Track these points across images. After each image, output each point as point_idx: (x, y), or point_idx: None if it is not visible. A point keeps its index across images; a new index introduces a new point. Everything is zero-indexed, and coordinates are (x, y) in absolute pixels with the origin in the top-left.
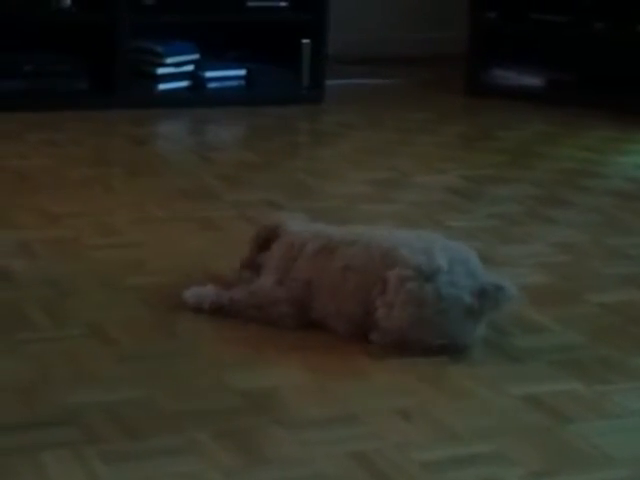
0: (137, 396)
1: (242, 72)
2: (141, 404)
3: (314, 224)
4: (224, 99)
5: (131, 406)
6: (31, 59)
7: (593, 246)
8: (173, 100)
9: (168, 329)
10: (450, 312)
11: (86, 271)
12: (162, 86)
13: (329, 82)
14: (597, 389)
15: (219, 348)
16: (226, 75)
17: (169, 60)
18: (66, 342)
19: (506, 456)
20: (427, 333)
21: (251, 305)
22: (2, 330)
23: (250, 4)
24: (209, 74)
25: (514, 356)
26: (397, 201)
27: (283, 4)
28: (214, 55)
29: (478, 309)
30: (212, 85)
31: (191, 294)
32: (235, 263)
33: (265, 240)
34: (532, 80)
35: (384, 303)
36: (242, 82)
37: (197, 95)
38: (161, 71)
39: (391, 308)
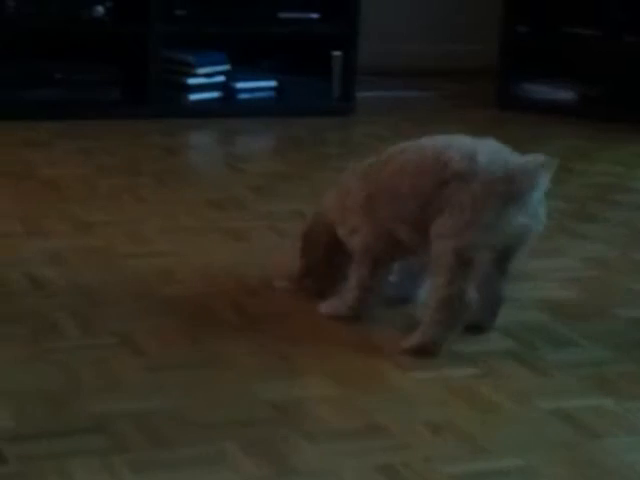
0: (166, 406)
1: (273, 83)
2: (170, 414)
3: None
4: (255, 110)
5: (160, 415)
6: (63, 68)
7: (623, 261)
8: (204, 110)
9: (197, 339)
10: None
11: (116, 280)
12: (193, 96)
13: (360, 94)
14: (625, 405)
15: (248, 358)
16: (257, 86)
17: (200, 70)
18: (96, 351)
19: (535, 471)
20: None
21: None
22: (32, 338)
23: (281, 15)
24: (240, 85)
25: (543, 370)
26: None
27: (314, 16)
28: (245, 66)
29: (513, 192)
30: (243, 96)
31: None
32: (264, 273)
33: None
34: (563, 94)
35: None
36: (273, 93)
37: (228, 105)
38: (192, 81)
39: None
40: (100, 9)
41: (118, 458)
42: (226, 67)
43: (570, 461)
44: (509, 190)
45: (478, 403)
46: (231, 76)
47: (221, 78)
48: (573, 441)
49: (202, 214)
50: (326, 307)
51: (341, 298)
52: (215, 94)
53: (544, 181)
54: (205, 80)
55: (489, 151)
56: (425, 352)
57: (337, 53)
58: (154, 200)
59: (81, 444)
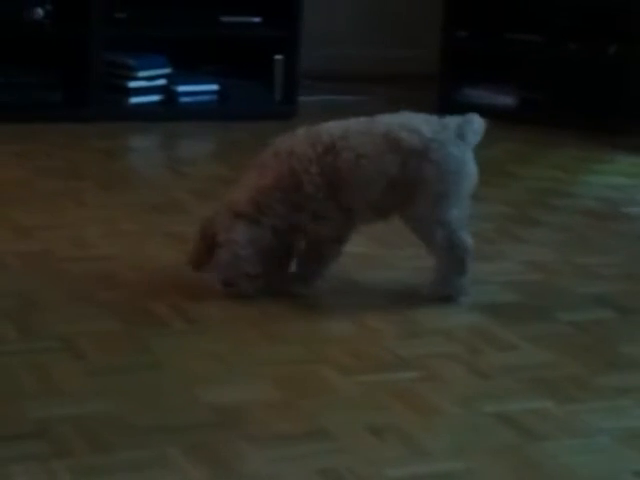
0: (107, 410)
1: (215, 87)
2: (111, 418)
3: None
4: (196, 113)
5: (100, 420)
6: (3, 71)
7: (563, 265)
8: (145, 114)
9: (138, 343)
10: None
11: (57, 284)
12: (134, 99)
13: (302, 98)
14: (567, 408)
15: (189, 362)
16: (199, 90)
17: (141, 74)
18: (35, 355)
19: (477, 473)
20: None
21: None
22: None
23: (223, 19)
24: (181, 88)
25: (485, 373)
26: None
27: (256, 20)
28: (187, 69)
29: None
30: (184, 99)
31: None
32: (205, 276)
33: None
34: (504, 99)
35: None
36: (215, 97)
37: (169, 109)
38: (133, 84)
39: None
40: (40, 11)
41: (59, 463)
42: (167, 70)
43: (512, 464)
44: (462, 146)
45: (420, 406)
46: (172, 79)
47: (162, 81)
48: (515, 444)
49: (143, 218)
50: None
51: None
52: (156, 97)
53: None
54: (146, 83)
55: (425, 120)
56: (448, 299)
57: (279, 57)
58: (95, 204)
59: (21, 449)
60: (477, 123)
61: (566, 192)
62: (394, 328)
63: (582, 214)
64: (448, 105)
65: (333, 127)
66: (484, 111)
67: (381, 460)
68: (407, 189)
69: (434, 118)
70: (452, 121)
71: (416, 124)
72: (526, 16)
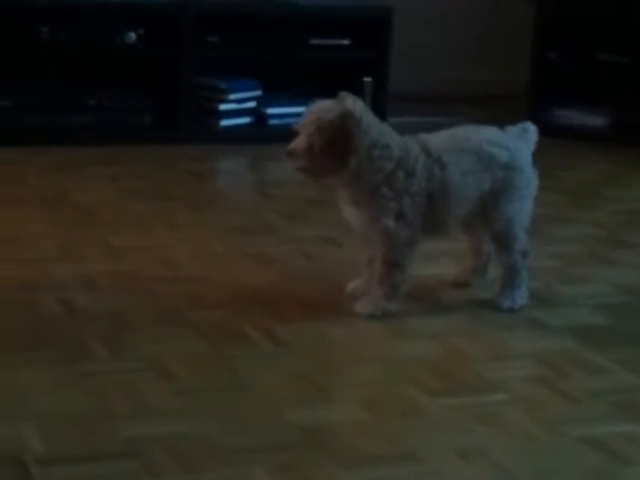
0: (195, 430)
1: (303, 109)
2: (199, 438)
3: None
4: (286, 136)
5: (189, 440)
6: (95, 94)
7: None
8: (235, 136)
9: (227, 363)
10: None
11: (147, 304)
12: (224, 122)
13: (391, 119)
14: None
15: (277, 383)
16: (288, 112)
17: (232, 96)
18: (125, 375)
19: None
20: None
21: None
22: (63, 362)
23: (313, 42)
24: (271, 110)
25: (574, 397)
26: (457, 239)
27: (345, 42)
28: (277, 92)
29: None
30: (274, 122)
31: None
32: (293, 297)
33: None
34: (595, 120)
35: None
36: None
37: (259, 131)
38: (224, 107)
39: None
40: (132, 36)
41: None
42: (257, 93)
43: None
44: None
45: (508, 430)
46: (262, 102)
47: (252, 104)
48: (604, 468)
49: (232, 239)
50: (361, 307)
51: (375, 296)
52: (246, 120)
53: None
54: (236, 106)
55: (503, 133)
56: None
57: (368, 79)
58: (185, 225)
59: (111, 469)
60: (534, 131)
61: None
62: (480, 349)
63: None
64: (539, 126)
65: (434, 140)
66: (575, 133)
67: None
68: (493, 198)
69: (505, 129)
70: (516, 130)
71: (500, 138)
72: (616, 37)
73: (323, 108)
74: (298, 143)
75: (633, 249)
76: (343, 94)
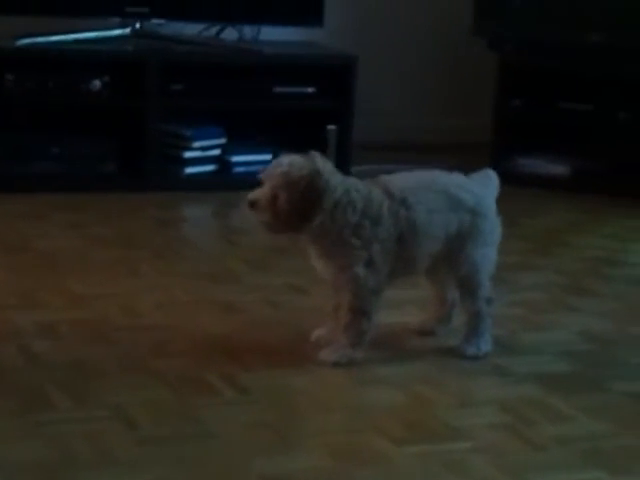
0: (158, 479)
1: (268, 156)
2: None
3: None
4: (250, 183)
5: None
6: (60, 141)
7: (617, 334)
8: (200, 184)
9: (190, 412)
10: None
11: (109, 353)
12: (189, 169)
13: (355, 168)
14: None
15: (241, 432)
16: (253, 159)
17: (196, 144)
18: (88, 424)
19: None
20: None
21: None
22: (24, 411)
23: (277, 90)
24: (236, 158)
25: (538, 444)
26: (422, 287)
27: (310, 90)
28: (241, 140)
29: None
30: (238, 169)
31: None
32: (259, 346)
33: None
34: (558, 168)
35: None
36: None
37: (223, 179)
38: (188, 155)
39: None
40: (97, 83)
41: None
42: (222, 141)
43: None
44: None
45: (474, 478)
46: (227, 150)
47: (217, 152)
48: None
49: (197, 287)
50: (326, 355)
51: (341, 344)
52: (211, 167)
53: None
54: (201, 153)
55: (469, 179)
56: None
57: (332, 127)
58: (149, 273)
59: None
60: (495, 178)
61: (621, 261)
62: (445, 397)
63: (637, 284)
64: (502, 174)
65: (397, 181)
66: (538, 180)
67: None
68: (459, 242)
69: (468, 176)
70: (479, 176)
71: (466, 182)
72: (579, 85)
73: (293, 163)
74: (262, 194)
75: (596, 296)
76: (313, 153)
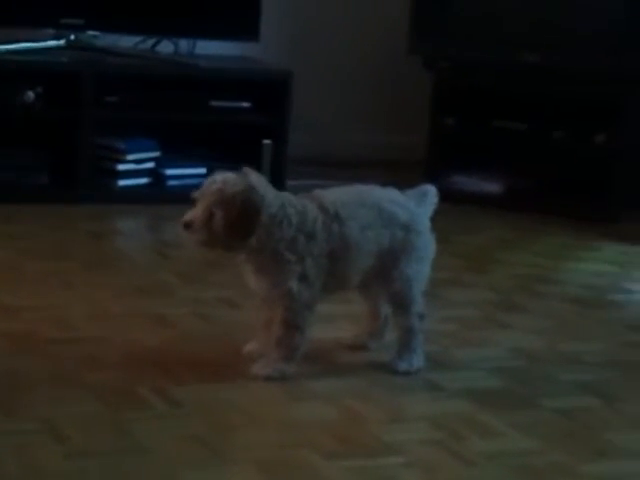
0: None
1: (203, 170)
2: None
3: None
4: (184, 197)
5: None
6: None
7: (548, 352)
8: (133, 196)
9: (122, 425)
10: None
11: (41, 365)
12: (123, 182)
13: (290, 182)
14: None
15: (172, 446)
16: (187, 173)
17: (130, 157)
18: (17, 436)
19: None
20: None
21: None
22: None
23: (213, 104)
24: (169, 172)
25: (469, 460)
26: (355, 302)
27: (245, 105)
28: (176, 153)
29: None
30: (172, 183)
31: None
32: (190, 359)
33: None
34: (491, 186)
35: None
36: (203, 180)
37: (157, 192)
38: (122, 167)
39: None
40: (31, 94)
41: None
42: (156, 154)
43: None
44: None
45: None
46: (161, 163)
47: (151, 164)
48: None
49: (129, 300)
50: (258, 369)
51: (273, 358)
52: (144, 180)
53: None
54: (135, 166)
55: (403, 195)
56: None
57: (267, 142)
58: (81, 285)
59: None
60: (434, 194)
61: (552, 279)
62: (377, 412)
63: (567, 301)
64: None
65: (331, 196)
66: (471, 198)
67: None
68: (392, 257)
69: (404, 192)
70: (416, 193)
71: (400, 198)
72: (513, 104)
73: (226, 180)
74: (196, 214)
75: (527, 313)
76: (246, 169)
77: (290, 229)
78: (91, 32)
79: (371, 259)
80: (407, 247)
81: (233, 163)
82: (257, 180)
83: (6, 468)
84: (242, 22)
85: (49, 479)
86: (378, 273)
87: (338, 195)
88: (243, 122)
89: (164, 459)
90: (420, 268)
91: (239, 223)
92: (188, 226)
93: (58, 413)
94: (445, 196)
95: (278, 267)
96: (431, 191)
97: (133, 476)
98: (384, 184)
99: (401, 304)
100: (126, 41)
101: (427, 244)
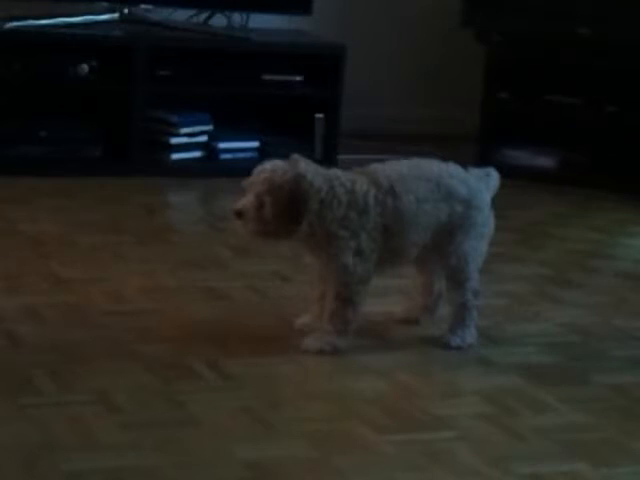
0: (141, 464)
1: (255, 144)
2: (144, 472)
3: None
4: (237, 170)
5: (134, 474)
6: (46, 125)
7: (601, 327)
8: (186, 170)
9: (174, 397)
10: None
11: (94, 337)
12: (175, 156)
13: (341, 157)
14: (602, 471)
15: (224, 419)
16: (239, 147)
17: (183, 130)
18: (71, 408)
19: None
20: None
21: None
22: (7, 394)
23: (265, 77)
24: (222, 145)
25: (520, 435)
26: (406, 277)
27: (298, 78)
28: (228, 126)
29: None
30: (225, 156)
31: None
32: (242, 332)
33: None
34: (544, 161)
35: None
36: (255, 154)
37: (210, 165)
38: (175, 141)
39: None
40: (85, 67)
41: None
42: (209, 127)
43: None
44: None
45: (455, 467)
46: (214, 136)
47: (204, 138)
48: None
49: (182, 273)
50: (310, 343)
51: (326, 332)
52: (197, 154)
53: None
54: (188, 140)
55: (464, 169)
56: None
57: (320, 115)
58: (134, 258)
59: None
60: (496, 177)
61: (605, 254)
62: (429, 387)
63: (621, 276)
64: (488, 166)
65: (387, 170)
66: (524, 172)
67: None
68: (450, 232)
69: (467, 169)
70: (478, 171)
71: (461, 173)
72: (566, 79)
73: (275, 169)
74: (247, 202)
75: (580, 288)
76: (295, 156)
77: (340, 208)
78: (144, 6)
79: (428, 233)
80: (466, 223)
81: (285, 136)
82: (305, 167)
83: (61, 439)
84: None
85: (104, 450)
86: (435, 248)
87: (395, 169)
88: (295, 96)
89: (216, 432)
90: (478, 244)
91: (288, 211)
92: (240, 215)
93: (112, 385)
94: (498, 170)
95: (332, 245)
96: (493, 174)
97: (186, 448)
98: (437, 158)
99: (457, 279)
100: (179, 15)
101: (486, 221)
